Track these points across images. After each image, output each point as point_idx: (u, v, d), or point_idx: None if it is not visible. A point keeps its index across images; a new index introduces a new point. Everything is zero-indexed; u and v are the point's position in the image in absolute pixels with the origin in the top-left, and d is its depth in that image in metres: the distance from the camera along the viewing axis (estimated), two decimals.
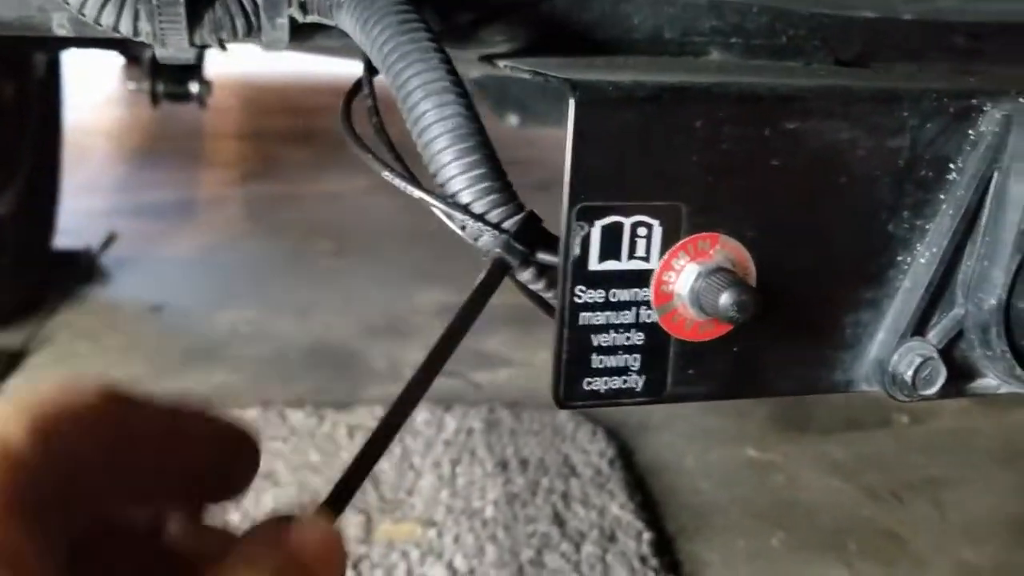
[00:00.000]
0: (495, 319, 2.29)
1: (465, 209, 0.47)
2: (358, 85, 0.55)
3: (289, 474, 1.59)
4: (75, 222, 2.64)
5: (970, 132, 0.46)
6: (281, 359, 2.05)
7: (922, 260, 0.47)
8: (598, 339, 0.45)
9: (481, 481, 1.59)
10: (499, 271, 0.47)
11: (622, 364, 0.45)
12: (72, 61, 2.57)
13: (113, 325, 2.18)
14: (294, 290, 2.42)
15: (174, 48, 0.54)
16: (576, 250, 0.43)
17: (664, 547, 1.47)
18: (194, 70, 1.95)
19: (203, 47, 0.55)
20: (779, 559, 1.48)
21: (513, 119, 2.11)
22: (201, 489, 0.38)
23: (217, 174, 3.44)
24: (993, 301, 0.46)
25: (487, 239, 0.47)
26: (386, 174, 0.49)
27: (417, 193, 0.48)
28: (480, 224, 0.47)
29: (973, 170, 0.46)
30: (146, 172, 3.38)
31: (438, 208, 0.48)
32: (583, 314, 0.44)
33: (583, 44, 0.60)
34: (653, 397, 0.46)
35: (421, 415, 1.78)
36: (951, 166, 0.46)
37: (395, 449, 1.68)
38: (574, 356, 0.45)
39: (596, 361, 0.45)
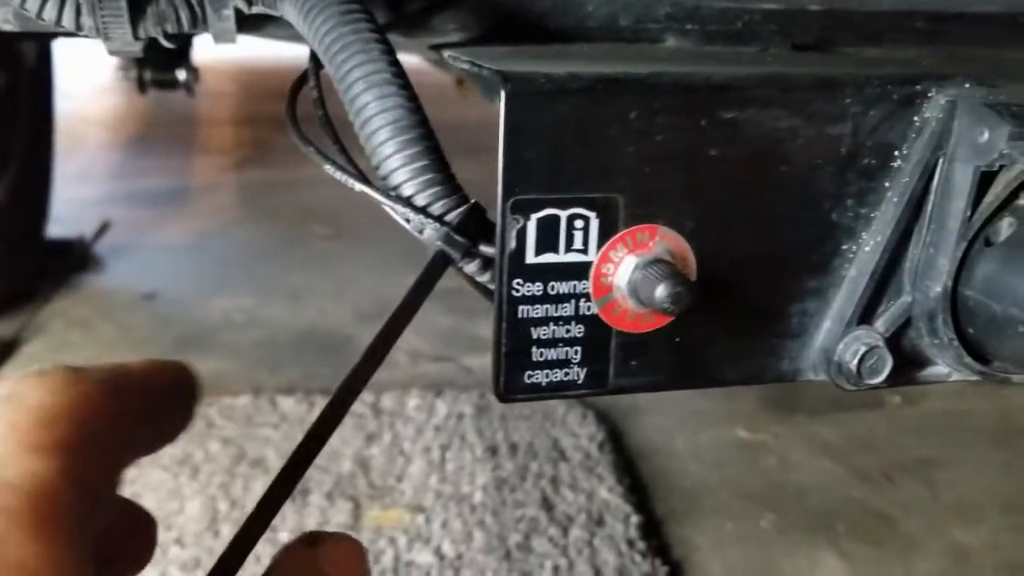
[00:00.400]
0: (486, 302, 2.28)
1: (407, 202, 0.47)
2: (304, 77, 0.55)
3: (279, 461, 1.60)
4: (69, 211, 2.64)
5: (915, 118, 0.45)
6: (273, 345, 2.05)
7: (867, 248, 0.46)
8: (538, 332, 0.44)
9: (470, 466, 1.59)
10: (441, 263, 0.47)
11: (563, 357, 0.45)
12: (65, 50, 2.56)
13: (106, 313, 2.18)
14: (287, 276, 2.41)
15: (120, 42, 0.53)
16: (512, 243, 0.43)
17: (652, 530, 1.47)
18: (181, 57, 1.94)
19: (149, 40, 0.54)
20: (769, 541, 1.49)
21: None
22: (162, 439, 0.38)
23: (211, 161, 3.43)
24: (939, 289, 0.46)
25: (430, 232, 0.47)
26: (328, 167, 0.48)
27: (359, 187, 0.48)
28: (422, 217, 0.47)
29: (918, 157, 0.45)
30: (140, 160, 3.38)
31: (381, 201, 0.47)
32: (522, 307, 0.44)
33: (537, 33, 0.59)
34: (595, 389, 0.46)
35: (412, 401, 1.78)
36: (896, 153, 0.46)
37: (385, 435, 1.68)
38: (514, 349, 0.44)
39: (536, 354, 0.45)
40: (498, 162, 0.42)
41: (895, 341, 0.48)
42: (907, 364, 0.48)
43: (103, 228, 2.58)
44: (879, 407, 1.89)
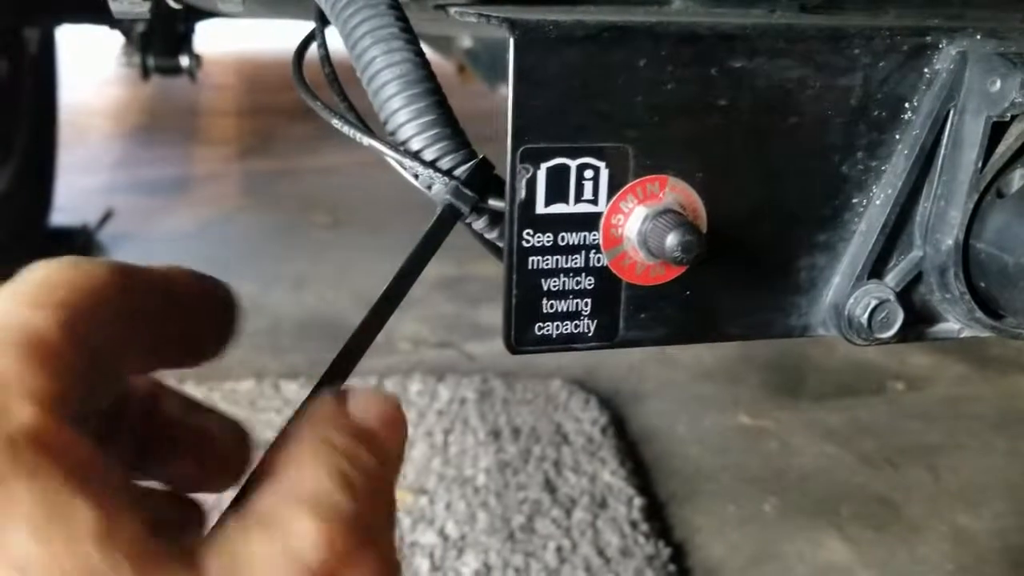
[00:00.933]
0: (489, 289, 2.29)
1: (415, 156, 0.47)
2: (311, 36, 0.54)
3: None
4: (72, 199, 2.64)
5: (925, 70, 0.45)
6: (276, 331, 2.05)
7: (877, 202, 0.46)
8: (548, 283, 0.44)
9: (473, 450, 1.59)
10: (449, 218, 0.47)
11: (573, 309, 0.45)
12: (70, 40, 2.56)
13: None
14: (290, 263, 2.41)
15: (127, 2, 0.53)
16: (522, 193, 0.42)
17: (655, 512, 1.47)
18: (184, 43, 1.94)
19: (156, 5, 0.54)
20: (771, 525, 1.48)
21: (504, 89, 2.09)
22: (193, 353, 0.38)
23: (214, 150, 3.43)
24: (950, 242, 0.45)
25: (438, 186, 0.47)
26: (335, 122, 0.48)
27: (367, 140, 0.48)
28: (431, 171, 0.46)
29: (928, 109, 0.45)
30: (143, 149, 3.38)
31: (389, 156, 0.47)
32: (532, 258, 0.44)
33: None
34: (605, 342, 0.45)
35: (414, 386, 1.78)
36: (906, 105, 0.45)
37: None
38: (524, 301, 0.44)
39: (547, 306, 0.44)
40: (507, 111, 0.41)
41: (906, 296, 0.47)
42: (917, 319, 0.48)
43: (106, 217, 2.58)
44: (881, 393, 1.89)
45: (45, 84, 2.33)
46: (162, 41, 1.92)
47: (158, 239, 2.59)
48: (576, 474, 1.52)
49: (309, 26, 0.56)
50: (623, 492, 1.48)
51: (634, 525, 1.40)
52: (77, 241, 2.41)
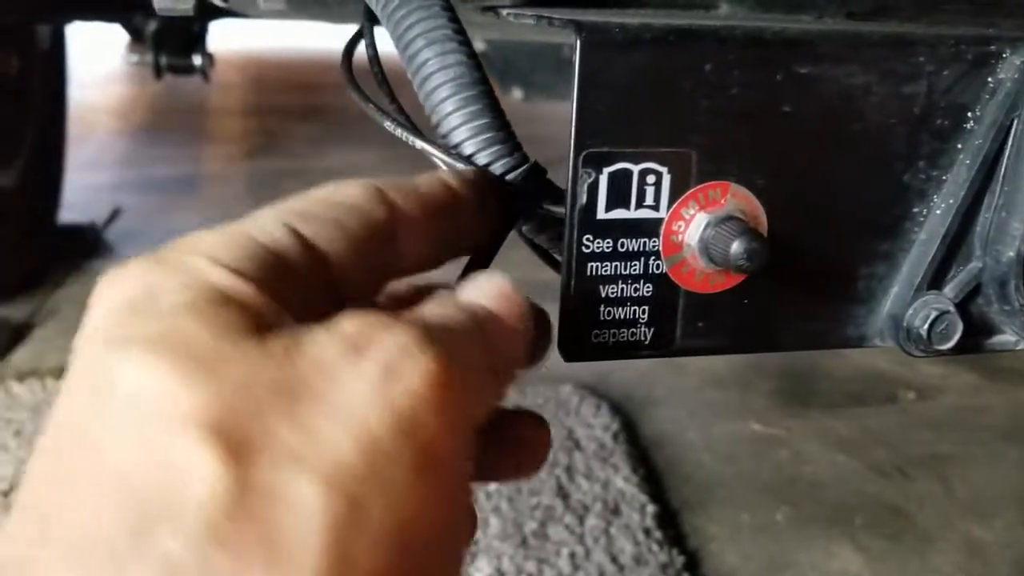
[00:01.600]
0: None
1: (468, 161, 0.46)
2: (359, 35, 0.54)
3: None
4: (81, 197, 2.63)
5: (989, 79, 0.45)
6: None
7: (938, 212, 0.46)
8: (606, 290, 0.44)
9: None
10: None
11: (630, 316, 0.44)
12: (77, 38, 2.55)
13: None
14: None
15: None
16: (583, 198, 0.42)
17: (668, 520, 1.46)
18: (197, 42, 1.93)
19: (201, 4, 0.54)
20: (783, 533, 1.48)
21: (518, 92, 2.09)
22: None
23: (222, 149, 3.42)
24: (1011, 253, 0.45)
25: None
26: (387, 124, 0.48)
27: (419, 144, 0.47)
28: None
29: (991, 118, 0.45)
30: (151, 148, 3.37)
31: (441, 160, 0.47)
32: (591, 264, 0.43)
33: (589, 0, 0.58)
34: (662, 350, 0.45)
35: None
36: (969, 114, 0.45)
37: None
38: (581, 308, 0.44)
39: (604, 313, 0.44)
40: (571, 114, 0.41)
41: (964, 307, 0.47)
42: (975, 331, 0.48)
43: (114, 214, 2.57)
44: (892, 402, 1.88)
45: (55, 80, 2.33)
46: (176, 40, 1.91)
47: (165, 237, 2.57)
48: (588, 480, 1.52)
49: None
50: (636, 499, 1.47)
51: (647, 532, 1.39)
52: (85, 239, 2.41)
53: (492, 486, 1.49)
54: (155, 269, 0.30)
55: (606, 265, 0.43)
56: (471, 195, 0.38)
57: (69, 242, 2.37)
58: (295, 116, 3.51)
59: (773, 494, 1.57)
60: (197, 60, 1.91)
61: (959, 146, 0.45)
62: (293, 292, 0.30)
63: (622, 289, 0.44)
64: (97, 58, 4.22)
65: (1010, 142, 0.45)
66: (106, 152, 3.27)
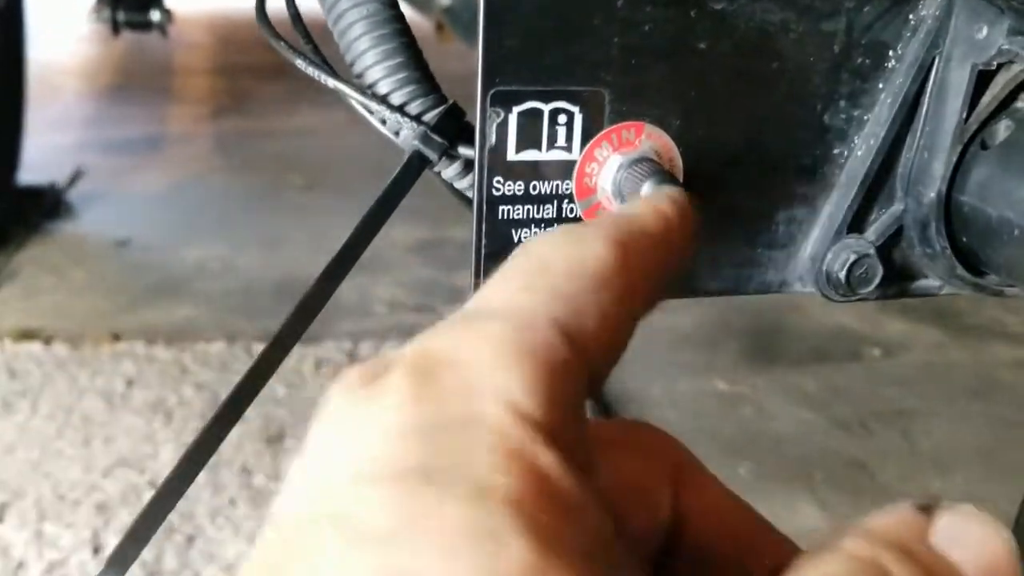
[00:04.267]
0: (467, 253, 2.26)
1: (383, 100, 0.45)
2: None
3: (254, 407, 1.58)
4: (41, 158, 2.59)
5: (910, 16, 0.44)
6: (248, 294, 2.03)
7: (859, 153, 0.45)
8: (519, 234, 0.43)
9: None
10: (417, 164, 0.45)
11: None
12: None
13: (79, 260, 2.15)
14: (264, 225, 2.38)
15: None
16: (492, 138, 0.41)
17: None
18: None
19: None
20: (745, 488, 1.46)
21: None
22: None
23: (187, 109, 3.38)
24: (932, 195, 0.44)
25: (406, 132, 0.45)
26: (300, 62, 0.46)
27: (332, 83, 0.46)
28: (398, 116, 0.45)
29: (912, 57, 0.44)
30: (115, 108, 3.32)
31: (355, 100, 0.46)
32: (502, 207, 0.42)
33: None
34: None
35: (390, 350, 1.77)
36: (889, 52, 0.44)
37: None
38: (494, 252, 0.43)
39: None
40: (478, 51, 0.40)
41: (885, 251, 0.46)
42: (897, 275, 0.47)
43: (76, 175, 2.53)
44: (858, 358, 1.89)
45: (13, 40, 2.28)
46: None
47: (129, 199, 2.55)
48: None
49: None
50: None
51: None
52: (46, 200, 2.37)
53: None
54: (438, 404, 0.21)
55: (518, 208, 0.42)
56: (684, 222, 0.29)
57: (30, 203, 2.33)
58: (264, 76, 3.46)
59: (736, 450, 1.58)
60: (155, 16, 1.88)
61: (880, 85, 0.44)
62: (578, 425, 0.23)
63: (536, 233, 0.43)
64: (63, 17, 4.15)
65: (931, 81, 0.44)
66: (71, 112, 3.23)
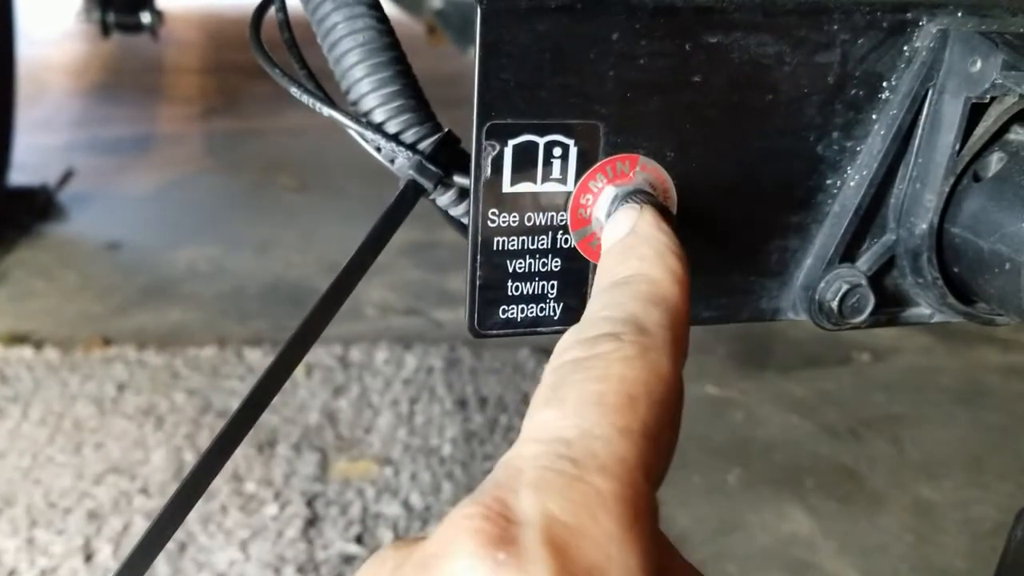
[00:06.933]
0: (458, 256, 2.27)
1: (378, 129, 0.45)
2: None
3: None
4: (32, 158, 2.58)
5: (904, 48, 0.44)
6: (239, 296, 2.02)
7: (852, 183, 0.45)
8: (513, 265, 0.43)
9: (439, 419, 1.58)
10: (412, 194, 0.45)
11: (539, 291, 0.43)
12: None
13: (69, 262, 2.14)
14: (254, 227, 2.38)
15: None
16: (487, 171, 0.41)
17: None
18: (145, 0, 1.89)
19: None
20: (735, 495, 1.49)
21: (474, 52, 2.06)
22: None
23: (178, 109, 3.37)
24: (924, 226, 0.44)
25: (401, 161, 0.45)
26: (294, 90, 0.46)
27: (327, 111, 0.46)
28: (394, 145, 0.45)
29: (907, 88, 0.44)
30: (105, 108, 3.31)
31: (351, 128, 0.46)
32: (497, 239, 0.42)
33: None
34: (571, 325, 0.44)
35: (380, 354, 1.77)
36: (884, 84, 0.44)
37: (353, 388, 1.66)
38: (489, 283, 0.43)
39: (512, 288, 0.43)
40: (474, 85, 0.40)
41: (877, 280, 0.46)
42: (889, 304, 0.47)
43: (66, 176, 2.52)
44: (847, 364, 1.89)
45: (2, 37, 2.27)
46: None
47: (119, 200, 2.54)
48: None
49: None
50: None
51: None
52: (37, 201, 2.36)
53: (446, 451, 1.49)
54: None
55: (513, 239, 0.42)
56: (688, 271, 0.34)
57: (20, 204, 2.33)
58: (254, 75, 3.45)
59: (725, 456, 1.58)
60: (146, 18, 1.87)
61: (874, 116, 0.44)
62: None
63: (530, 264, 0.43)
64: (53, 16, 4.13)
65: (925, 112, 0.44)
66: (60, 112, 3.21)
